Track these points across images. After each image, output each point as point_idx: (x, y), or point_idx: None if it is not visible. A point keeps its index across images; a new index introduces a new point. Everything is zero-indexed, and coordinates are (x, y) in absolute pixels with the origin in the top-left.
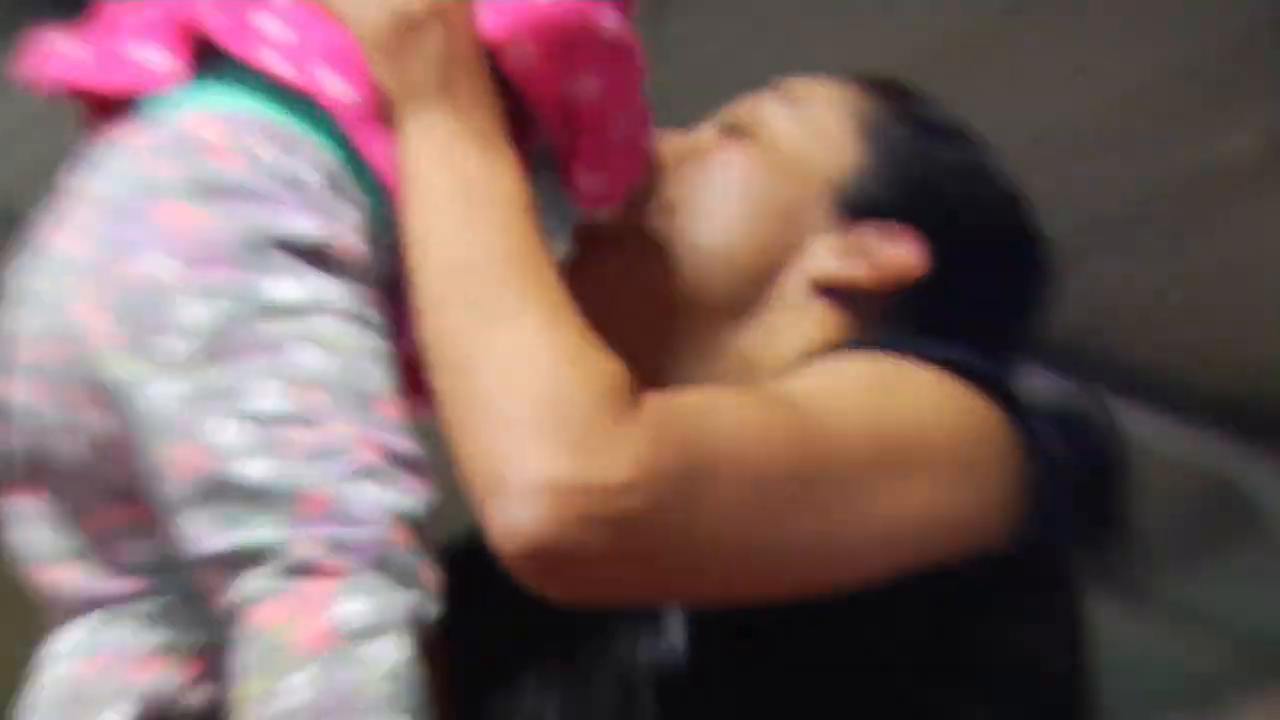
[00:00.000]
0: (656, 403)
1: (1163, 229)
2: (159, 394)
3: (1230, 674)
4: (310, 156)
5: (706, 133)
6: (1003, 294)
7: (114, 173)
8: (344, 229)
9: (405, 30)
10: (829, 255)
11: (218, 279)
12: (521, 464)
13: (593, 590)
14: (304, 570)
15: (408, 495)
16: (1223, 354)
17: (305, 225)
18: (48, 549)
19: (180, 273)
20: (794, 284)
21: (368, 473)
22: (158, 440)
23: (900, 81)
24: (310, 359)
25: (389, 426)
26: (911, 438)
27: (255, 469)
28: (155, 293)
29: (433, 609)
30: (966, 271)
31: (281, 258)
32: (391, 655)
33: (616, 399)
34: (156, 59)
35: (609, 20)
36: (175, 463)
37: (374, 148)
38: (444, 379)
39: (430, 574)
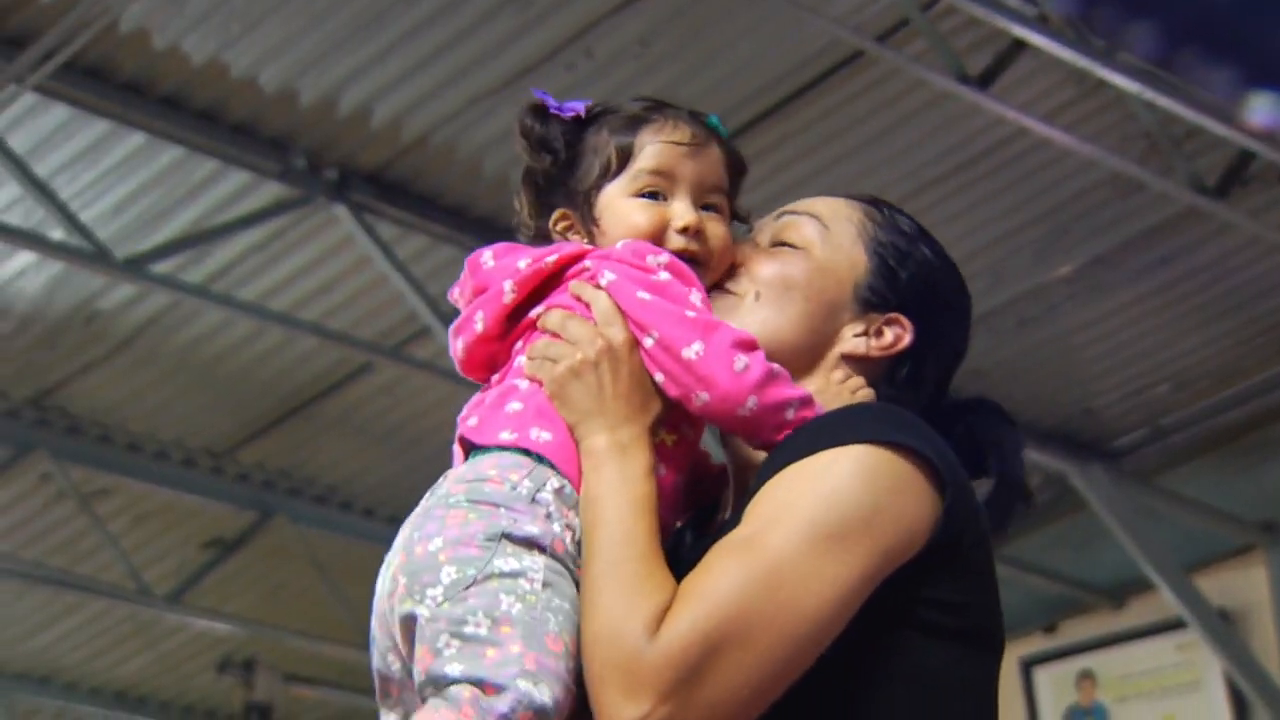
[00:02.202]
0: (676, 615)
1: (1014, 322)
2: (421, 620)
3: (1058, 604)
4: (547, 481)
5: (764, 242)
6: (958, 342)
7: (435, 491)
8: (559, 530)
9: (571, 378)
10: (853, 339)
11: (467, 555)
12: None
13: None
14: (444, 696)
15: (544, 696)
16: (1055, 402)
17: (529, 529)
18: None
19: (447, 550)
20: (834, 356)
21: (524, 675)
22: (418, 645)
23: (879, 198)
24: (509, 605)
25: (552, 654)
26: (850, 517)
27: (454, 670)
28: (431, 561)
29: None
30: (938, 334)
31: (509, 545)
32: None
33: (653, 622)
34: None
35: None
36: (420, 658)
37: (573, 472)
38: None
39: None
